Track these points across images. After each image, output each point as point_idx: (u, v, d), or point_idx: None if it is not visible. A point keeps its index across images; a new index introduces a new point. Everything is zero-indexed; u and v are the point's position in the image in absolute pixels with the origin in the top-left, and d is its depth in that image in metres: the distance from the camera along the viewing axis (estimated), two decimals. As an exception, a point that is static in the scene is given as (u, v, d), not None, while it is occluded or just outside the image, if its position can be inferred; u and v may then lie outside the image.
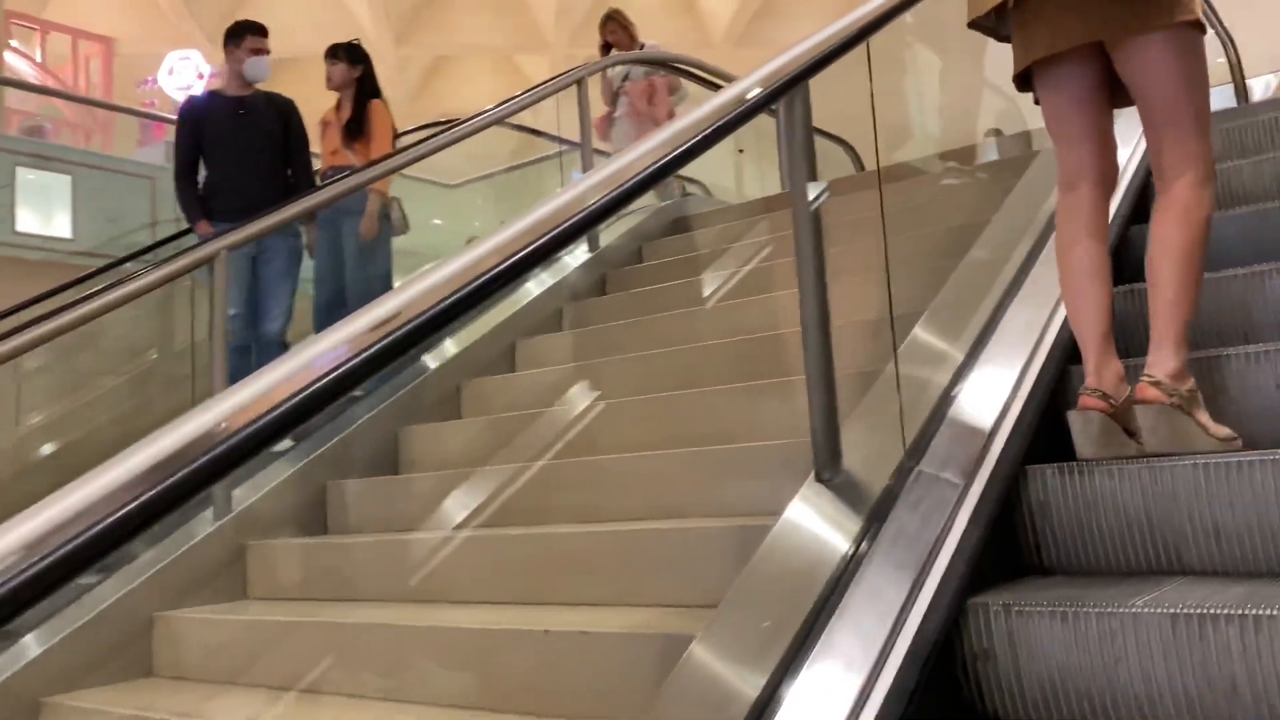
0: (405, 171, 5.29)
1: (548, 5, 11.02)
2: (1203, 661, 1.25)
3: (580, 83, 4.27)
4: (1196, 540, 1.47)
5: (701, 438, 2.35)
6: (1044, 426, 1.71)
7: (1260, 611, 1.22)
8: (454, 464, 2.75)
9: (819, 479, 1.56)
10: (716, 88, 5.17)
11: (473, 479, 2.58)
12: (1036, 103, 1.89)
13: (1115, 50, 1.71)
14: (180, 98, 9.07)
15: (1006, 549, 1.58)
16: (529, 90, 4.14)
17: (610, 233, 4.30)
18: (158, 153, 6.19)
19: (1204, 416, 1.59)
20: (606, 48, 5.55)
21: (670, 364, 2.83)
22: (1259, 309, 1.84)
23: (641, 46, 5.53)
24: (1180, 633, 1.27)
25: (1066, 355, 1.84)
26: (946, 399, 1.69)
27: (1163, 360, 1.61)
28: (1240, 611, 1.24)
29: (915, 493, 1.49)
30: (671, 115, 4.91)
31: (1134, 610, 1.30)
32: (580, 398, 2.86)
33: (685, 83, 5.59)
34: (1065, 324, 1.84)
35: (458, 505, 2.56)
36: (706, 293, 3.46)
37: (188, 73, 9.76)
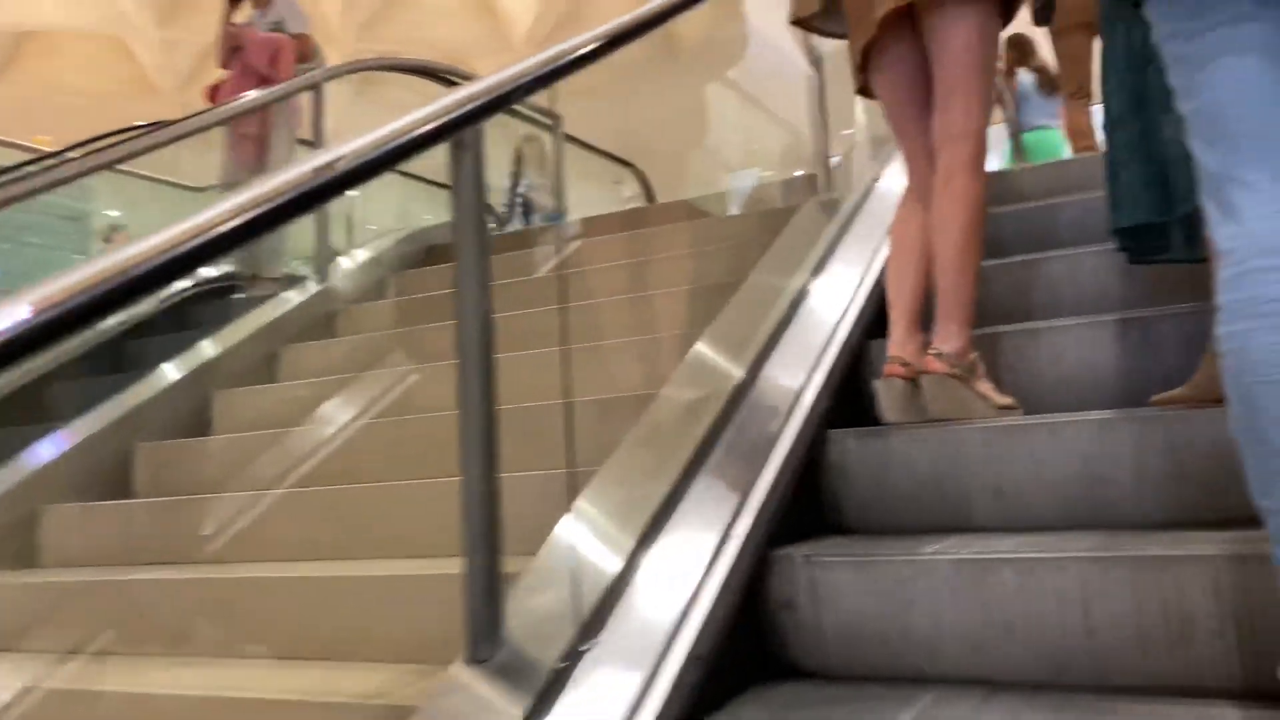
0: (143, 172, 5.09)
1: (333, -1, 10.76)
2: (983, 603, 1.38)
3: (317, 87, 4.07)
4: (980, 498, 1.62)
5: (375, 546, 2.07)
6: (848, 395, 1.84)
7: (1034, 555, 1.37)
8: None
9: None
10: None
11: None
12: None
13: (925, 19, 1.88)
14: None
15: (809, 510, 1.69)
16: (270, 90, 4.12)
17: (352, 258, 4.08)
18: None
19: (985, 386, 1.77)
20: None
21: (381, 440, 2.46)
22: (1037, 291, 2.07)
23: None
24: (964, 577, 1.40)
25: (868, 329, 1.99)
26: (735, 398, 1.78)
27: (948, 335, 1.78)
28: (1016, 556, 1.38)
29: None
30: (266, 83, 4.35)
31: (924, 557, 1.42)
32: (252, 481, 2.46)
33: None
34: (866, 301, 2.01)
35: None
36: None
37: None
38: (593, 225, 4.05)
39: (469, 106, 1.34)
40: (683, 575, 1.41)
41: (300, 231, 3.99)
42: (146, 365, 3.11)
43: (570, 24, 11.26)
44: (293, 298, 3.68)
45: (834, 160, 3.05)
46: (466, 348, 1.34)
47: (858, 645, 1.44)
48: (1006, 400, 1.77)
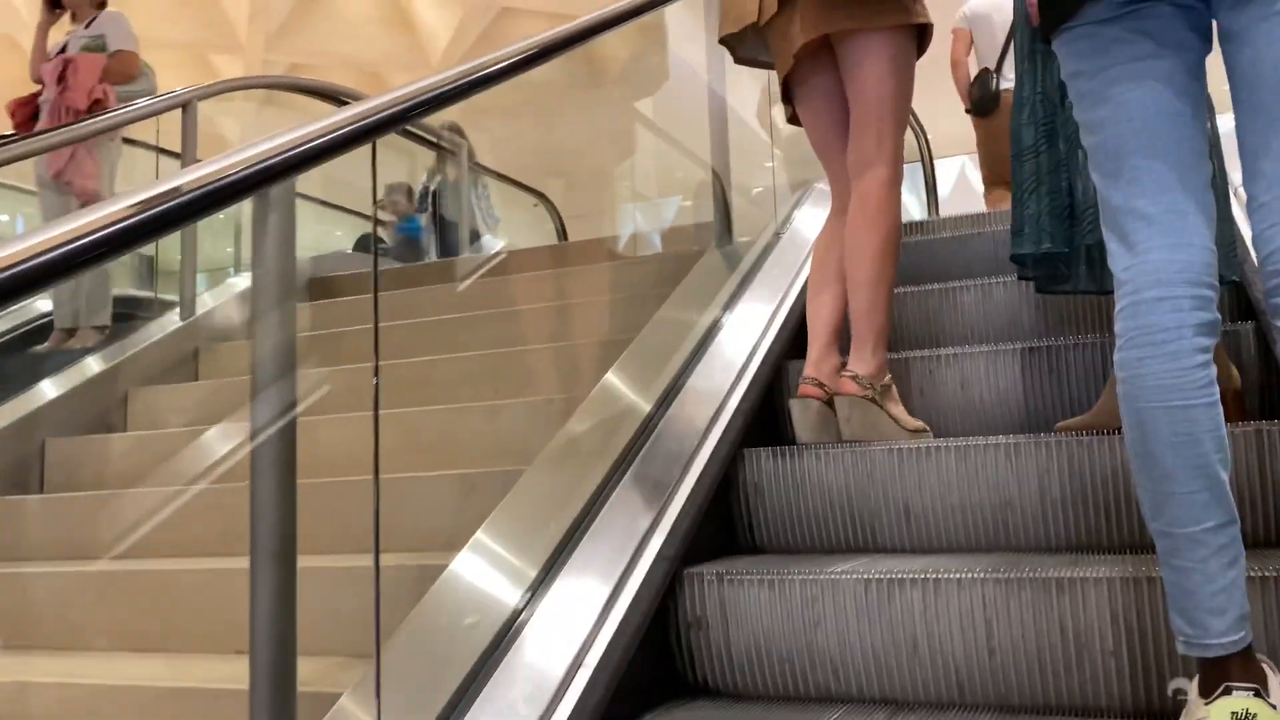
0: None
1: (240, 2, 10.54)
2: (890, 622, 1.41)
3: (187, 106, 3.74)
4: (890, 519, 1.66)
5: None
6: (762, 415, 1.87)
7: (939, 576, 1.41)
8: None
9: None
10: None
11: None
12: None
13: (839, 49, 1.94)
14: None
15: (723, 529, 1.71)
16: (126, 107, 3.80)
17: (223, 291, 3.83)
18: None
19: (897, 409, 1.82)
20: (54, 1, 4.27)
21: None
22: (949, 319, 2.14)
23: (101, 5, 4.26)
24: (872, 597, 1.43)
25: (785, 351, 2.04)
26: (668, 394, 1.81)
27: (862, 358, 1.83)
28: (922, 576, 1.42)
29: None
30: (99, 104, 3.92)
31: (833, 577, 1.45)
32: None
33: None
34: (784, 323, 2.05)
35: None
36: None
37: None
38: (500, 264, 3.95)
39: (273, 160, 1.16)
40: (590, 596, 1.41)
41: (166, 253, 3.85)
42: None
43: (489, 43, 11.26)
44: (152, 332, 3.45)
45: (756, 191, 3.10)
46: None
47: (766, 664, 1.46)
48: (917, 424, 1.83)
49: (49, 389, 3.01)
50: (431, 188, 6.63)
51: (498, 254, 4.69)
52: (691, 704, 1.44)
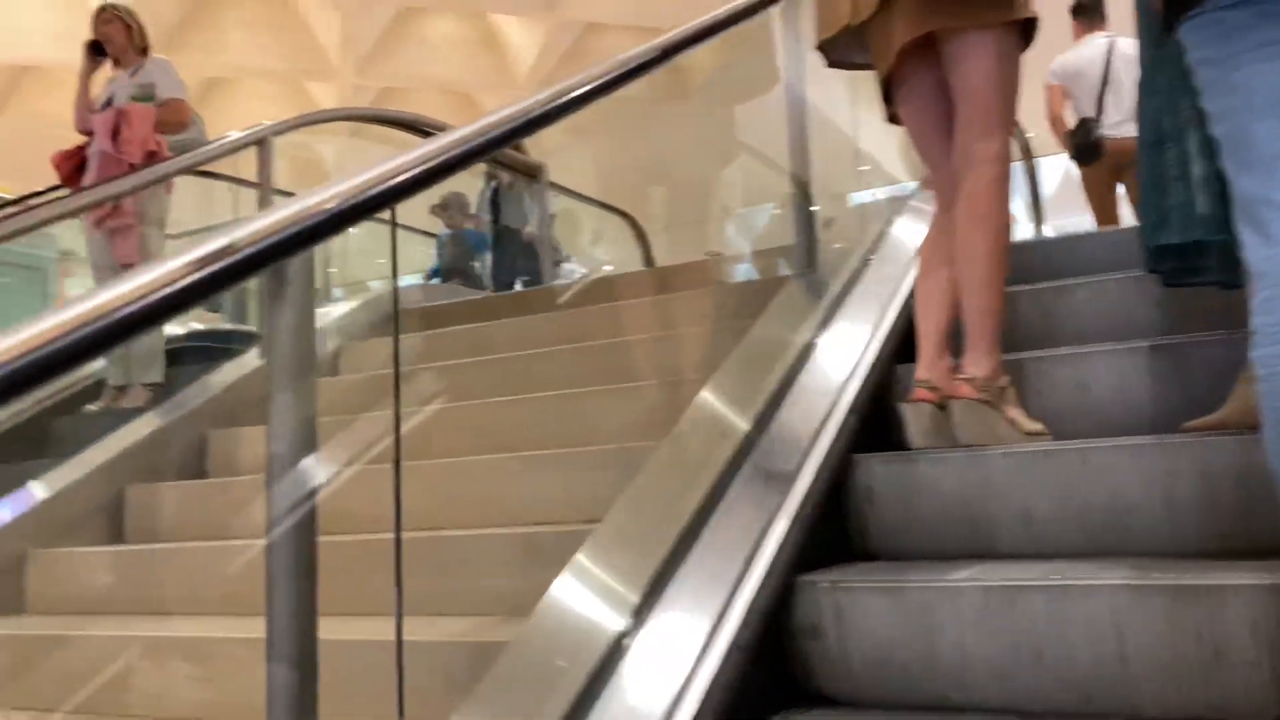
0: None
1: (332, 30, 10.88)
2: (1012, 630, 1.39)
3: (263, 143, 3.83)
4: (1009, 524, 1.63)
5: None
6: (874, 418, 1.87)
7: (1064, 582, 1.38)
8: None
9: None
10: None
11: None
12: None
13: (944, 46, 1.93)
14: None
15: (835, 535, 1.70)
16: (208, 145, 3.88)
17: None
18: None
19: (1015, 412, 1.79)
20: (96, 48, 4.19)
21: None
22: (1065, 317, 2.10)
23: (145, 52, 4.20)
24: (993, 604, 1.41)
25: (896, 353, 2.03)
26: (781, 390, 1.82)
27: (976, 360, 1.81)
28: (1045, 583, 1.39)
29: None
30: (153, 155, 3.85)
31: (952, 584, 1.43)
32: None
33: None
34: (894, 325, 2.05)
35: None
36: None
37: None
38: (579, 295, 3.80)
39: (277, 237, 1.06)
40: (703, 607, 1.43)
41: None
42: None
43: (574, 60, 11.42)
44: (228, 373, 3.43)
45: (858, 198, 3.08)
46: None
47: (884, 673, 1.45)
48: (1035, 426, 1.80)
49: (126, 436, 3.02)
50: (487, 193, 6.52)
51: (573, 283, 4.60)
52: (808, 713, 1.44)
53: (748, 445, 1.71)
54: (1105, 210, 4.54)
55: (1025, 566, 1.51)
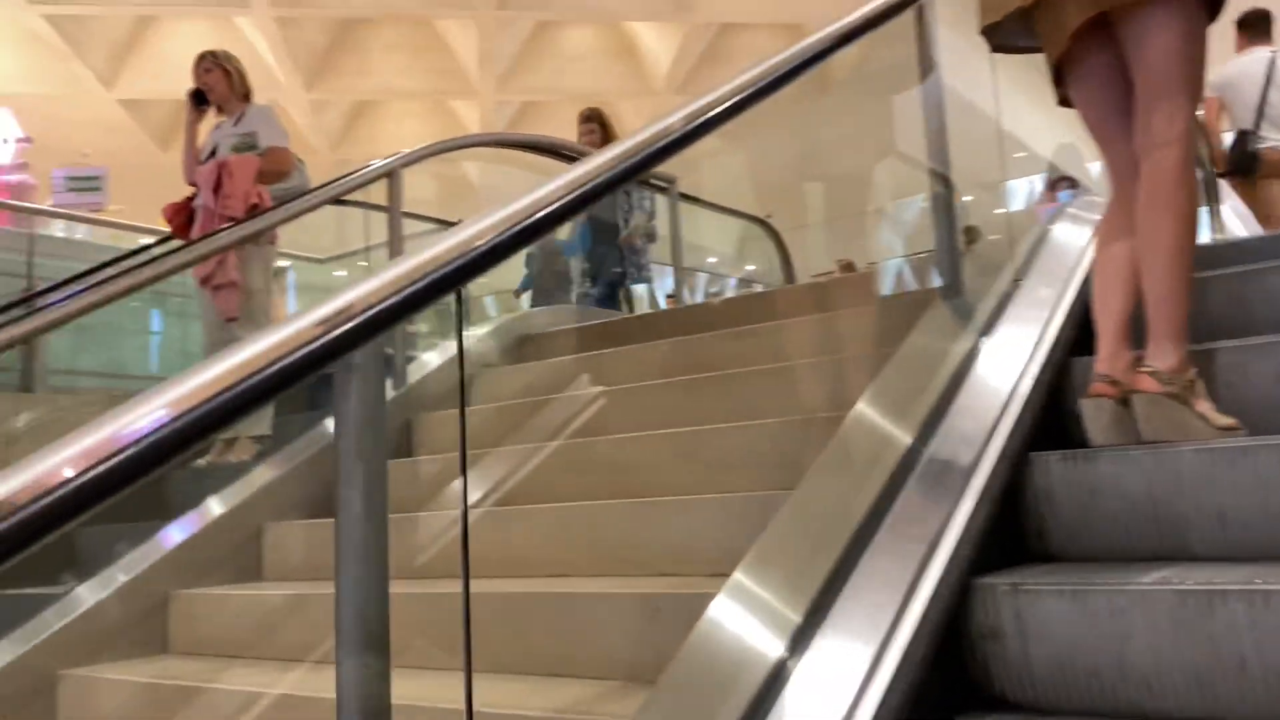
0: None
1: (470, 49, 11.20)
2: (1210, 637, 1.33)
3: (393, 175, 3.82)
4: (1202, 525, 1.57)
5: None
6: (1049, 415, 1.82)
7: (1270, 586, 1.32)
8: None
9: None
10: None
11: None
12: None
13: (1121, 25, 1.87)
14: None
15: (1011, 536, 1.67)
16: (336, 181, 3.80)
17: (441, 351, 3.81)
18: None
19: (1204, 406, 1.71)
20: (199, 97, 4.18)
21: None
22: (1259, 304, 1.99)
23: (247, 98, 4.14)
24: (1189, 609, 1.35)
25: (1072, 345, 1.96)
26: (954, 385, 1.79)
27: (1161, 352, 1.74)
28: (1249, 587, 1.33)
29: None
30: (256, 208, 3.81)
31: (1143, 587, 1.39)
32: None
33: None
34: (1069, 314, 1.98)
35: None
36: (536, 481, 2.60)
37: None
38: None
39: (330, 336, 1.02)
40: (876, 611, 1.42)
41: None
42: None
43: (712, 62, 11.45)
44: None
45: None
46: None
47: (1069, 678, 1.41)
48: (1228, 421, 1.71)
49: (261, 474, 3.07)
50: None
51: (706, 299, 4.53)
52: (988, 717, 1.42)
53: (917, 447, 1.69)
54: (1268, 218, 4.54)
55: (1222, 570, 1.45)
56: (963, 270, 2.31)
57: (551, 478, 2.61)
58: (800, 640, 1.39)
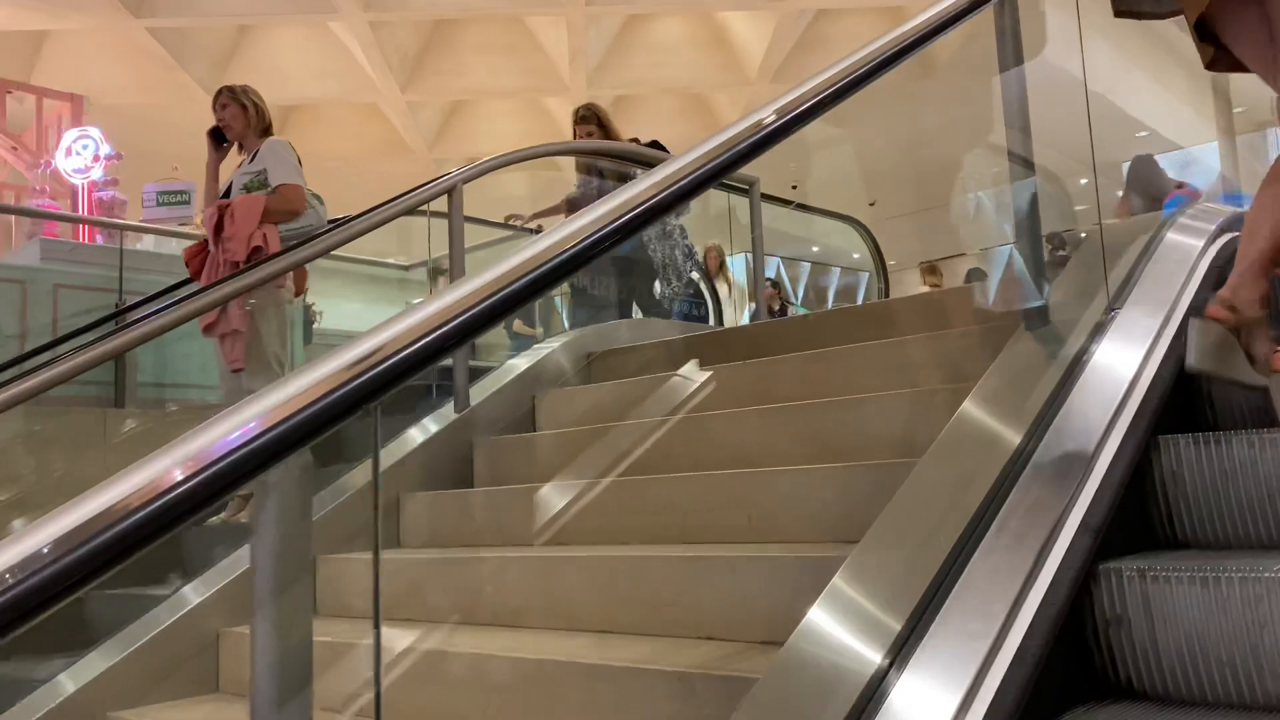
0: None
1: (560, 46, 11.31)
2: (1356, 626, 1.31)
3: (452, 191, 3.65)
4: (1344, 511, 1.53)
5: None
6: (1179, 395, 1.79)
7: None
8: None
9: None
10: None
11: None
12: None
13: None
14: (78, 182, 8.59)
15: (1137, 521, 1.65)
16: (396, 199, 3.61)
17: (498, 376, 3.67)
18: (32, 252, 5.72)
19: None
20: (217, 135, 4.00)
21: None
22: None
23: (267, 132, 3.99)
24: (1332, 597, 1.33)
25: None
26: (1078, 362, 1.77)
27: None
28: (1396, 573, 1.30)
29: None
30: (259, 251, 3.61)
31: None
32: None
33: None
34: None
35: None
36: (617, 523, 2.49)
37: (86, 154, 8.65)
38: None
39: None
40: (997, 592, 1.43)
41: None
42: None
43: (808, 49, 11.35)
44: (417, 434, 3.27)
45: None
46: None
47: (1202, 667, 1.40)
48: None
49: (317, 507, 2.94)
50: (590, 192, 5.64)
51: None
52: (1116, 705, 1.42)
53: (1038, 429, 1.69)
54: None
55: (1368, 556, 1.42)
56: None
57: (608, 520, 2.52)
58: (918, 622, 1.40)
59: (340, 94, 11.92)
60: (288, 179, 3.83)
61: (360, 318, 6.57)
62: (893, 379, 2.51)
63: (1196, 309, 1.80)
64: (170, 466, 0.89)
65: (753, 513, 2.24)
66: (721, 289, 7.16)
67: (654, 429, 2.81)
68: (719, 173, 1.51)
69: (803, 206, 6.97)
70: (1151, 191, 6.89)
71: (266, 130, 4.03)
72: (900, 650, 1.34)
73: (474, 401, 3.44)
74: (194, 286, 3.73)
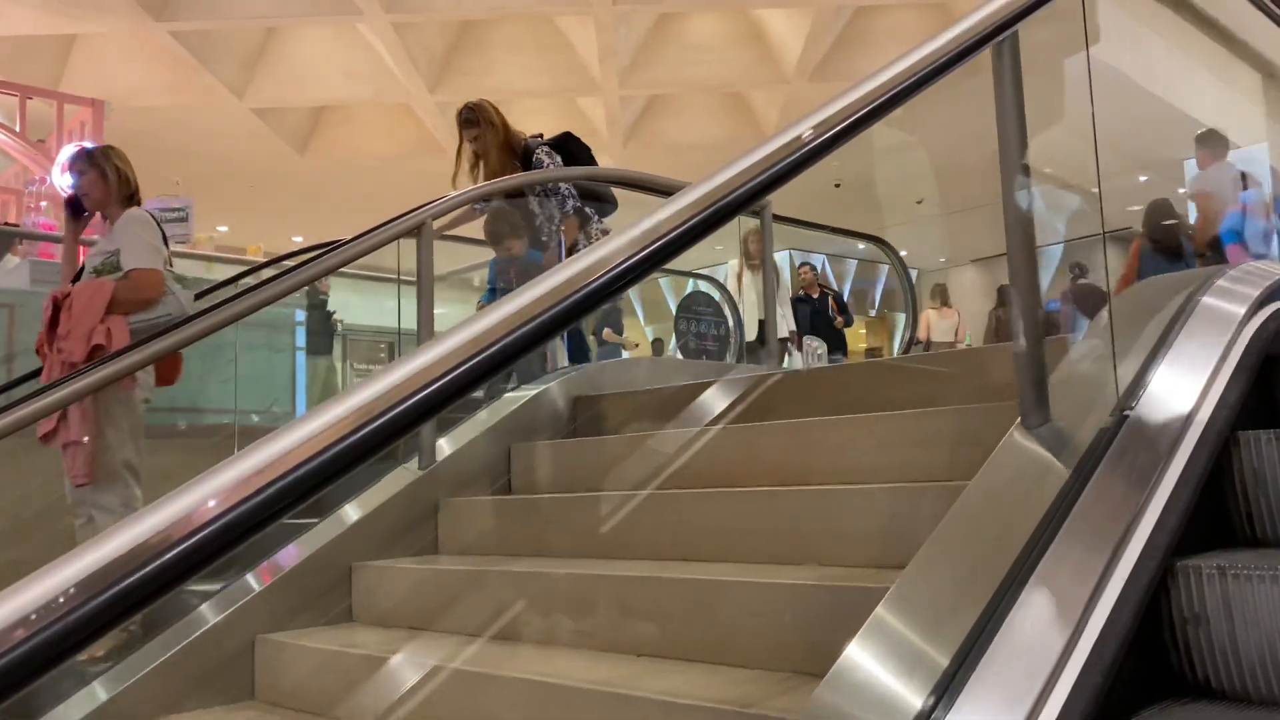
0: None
1: (590, 45, 11.38)
2: None
3: (421, 228, 3.38)
4: None
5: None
6: (1262, 390, 1.81)
7: None
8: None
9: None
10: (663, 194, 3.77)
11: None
12: None
13: None
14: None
15: (1216, 519, 1.68)
16: (362, 235, 3.33)
17: (474, 424, 3.40)
18: (21, 274, 5.65)
19: None
20: (74, 205, 3.71)
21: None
22: None
23: (130, 200, 3.60)
24: None
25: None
26: (1154, 356, 1.80)
27: None
28: None
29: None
30: (99, 350, 3.23)
31: (1365, 572, 1.39)
32: None
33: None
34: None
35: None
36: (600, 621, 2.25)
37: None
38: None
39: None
40: (1071, 589, 1.46)
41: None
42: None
43: (848, 46, 11.37)
44: (380, 491, 3.07)
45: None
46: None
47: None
48: None
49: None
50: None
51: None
52: (1194, 705, 1.45)
53: (1113, 426, 1.72)
54: None
55: None
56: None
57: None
58: (992, 616, 1.44)
59: (369, 94, 12.09)
60: (140, 262, 3.41)
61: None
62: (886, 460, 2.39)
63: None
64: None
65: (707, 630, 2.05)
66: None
67: (621, 503, 2.63)
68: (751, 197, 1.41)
69: (818, 226, 6.84)
70: (1169, 242, 6.65)
71: (130, 198, 3.61)
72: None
73: (442, 455, 3.23)
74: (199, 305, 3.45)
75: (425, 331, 3.40)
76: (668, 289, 11.05)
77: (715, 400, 3.20)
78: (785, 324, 7.27)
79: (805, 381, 3.58)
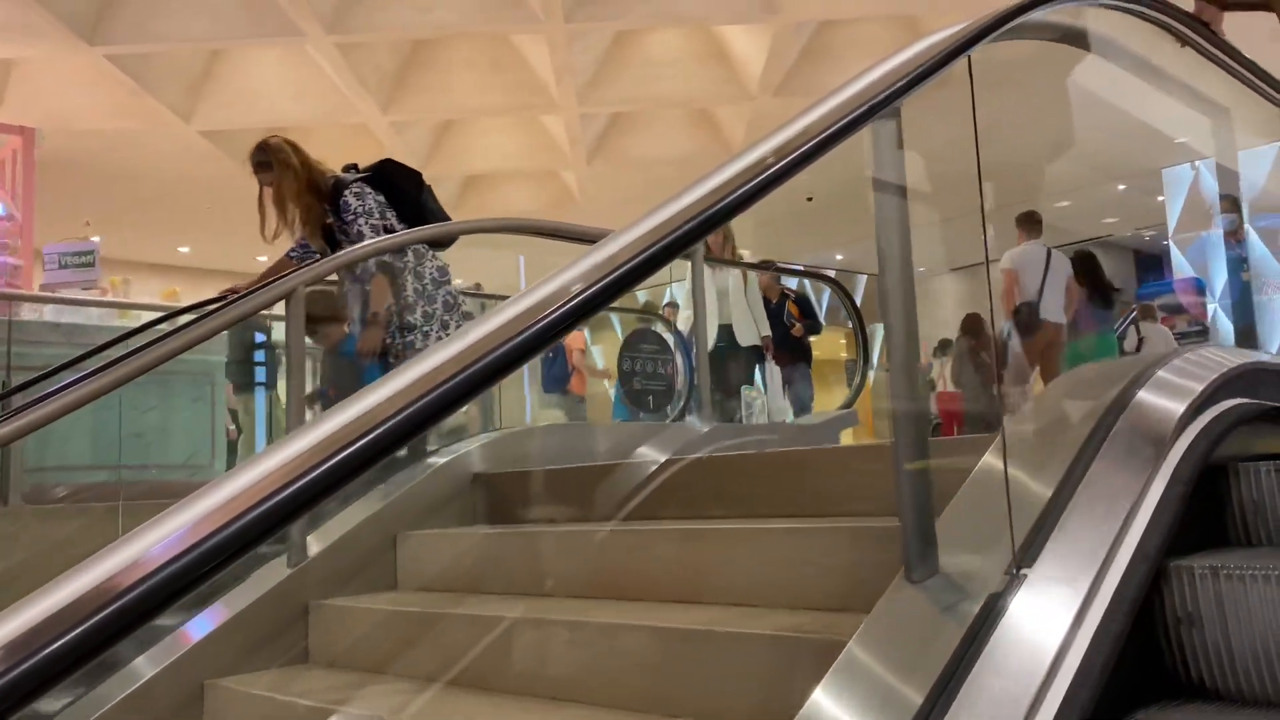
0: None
1: (547, 63, 11.46)
2: None
3: (291, 295, 3.11)
4: None
5: None
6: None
7: None
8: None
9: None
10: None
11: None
12: None
13: None
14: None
15: (1209, 519, 1.74)
16: (227, 303, 3.17)
17: (364, 505, 3.14)
18: None
19: None
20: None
21: None
22: None
23: None
24: None
25: None
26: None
27: None
28: None
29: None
30: None
31: (1358, 572, 1.44)
32: None
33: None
34: None
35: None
36: None
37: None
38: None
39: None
40: (1069, 584, 1.51)
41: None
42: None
43: (812, 59, 11.51)
44: (243, 595, 2.81)
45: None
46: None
47: (1275, 671, 1.48)
48: None
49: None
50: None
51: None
52: (1187, 705, 1.49)
53: (1107, 421, 1.77)
54: None
55: None
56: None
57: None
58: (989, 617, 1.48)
59: (320, 115, 12.05)
60: None
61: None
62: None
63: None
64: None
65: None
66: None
67: (494, 622, 2.36)
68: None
69: (754, 265, 6.78)
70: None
71: None
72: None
73: (315, 550, 2.98)
74: (97, 360, 3.29)
75: (294, 418, 3.20)
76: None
77: (620, 483, 2.99)
78: (760, 327, 7.19)
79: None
